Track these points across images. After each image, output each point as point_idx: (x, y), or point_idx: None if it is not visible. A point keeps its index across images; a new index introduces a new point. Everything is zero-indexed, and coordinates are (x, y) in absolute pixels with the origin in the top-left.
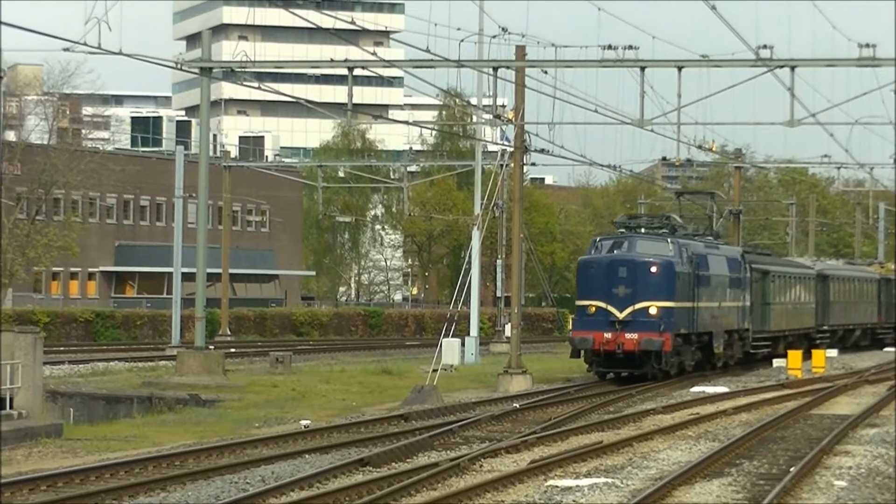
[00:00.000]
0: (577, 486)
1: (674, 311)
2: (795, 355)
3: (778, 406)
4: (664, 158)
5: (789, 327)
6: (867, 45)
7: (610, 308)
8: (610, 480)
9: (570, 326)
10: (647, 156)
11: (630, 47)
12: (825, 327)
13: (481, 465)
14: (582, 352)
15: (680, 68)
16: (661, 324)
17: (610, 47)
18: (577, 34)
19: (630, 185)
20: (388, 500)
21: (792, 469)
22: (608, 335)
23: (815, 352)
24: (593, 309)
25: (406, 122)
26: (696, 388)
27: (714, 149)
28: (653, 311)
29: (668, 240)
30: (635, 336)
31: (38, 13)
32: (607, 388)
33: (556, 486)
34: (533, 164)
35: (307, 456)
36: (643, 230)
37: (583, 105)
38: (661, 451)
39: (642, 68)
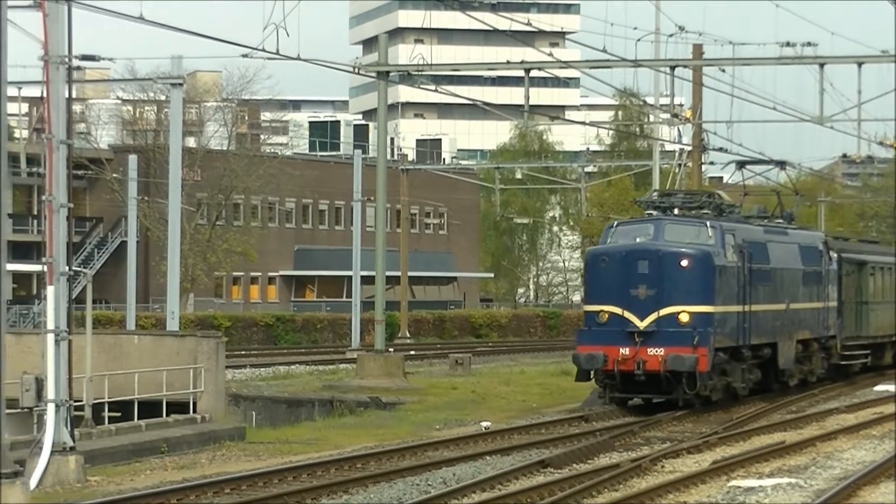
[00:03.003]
0: (760, 486)
1: (713, 318)
2: None
3: None
4: (844, 156)
5: None
6: None
7: (627, 315)
8: (793, 480)
9: None
10: (827, 153)
11: (809, 44)
12: None
13: (662, 466)
14: (592, 372)
15: (860, 64)
16: (696, 335)
17: (788, 44)
18: (754, 32)
19: (809, 183)
20: (570, 501)
21: None
22: (625, 351)
23: None
24: (605, 316)
25: (583, 123)
26: (879, 388)
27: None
28: (684, 317)
29: (708, 224)
30: (660, 352)
31: (218, 20)
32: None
33: (739, 487)
34: (711, 164)
35: (488, 457)
36: (677, 211)
37: (761, 103)
38: (844, 450)
39: (821, 65)
